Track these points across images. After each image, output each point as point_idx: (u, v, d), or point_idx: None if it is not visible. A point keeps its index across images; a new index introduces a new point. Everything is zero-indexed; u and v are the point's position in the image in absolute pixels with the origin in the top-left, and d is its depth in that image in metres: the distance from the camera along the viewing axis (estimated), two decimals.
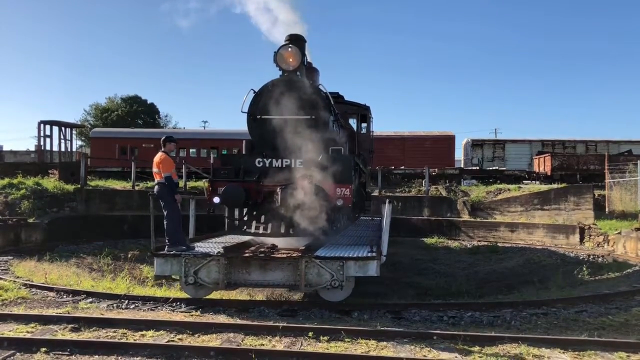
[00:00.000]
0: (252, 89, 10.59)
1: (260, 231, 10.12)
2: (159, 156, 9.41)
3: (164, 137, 9.66)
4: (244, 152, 11.18)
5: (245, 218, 10.40)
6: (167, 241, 9.36)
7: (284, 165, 10.11)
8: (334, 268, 8.66)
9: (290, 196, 9.26)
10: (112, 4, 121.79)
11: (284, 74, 10.46)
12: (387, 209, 9.80)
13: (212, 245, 10.28)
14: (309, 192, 9.25)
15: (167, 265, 9.07)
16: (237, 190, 9.50)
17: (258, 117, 10.36)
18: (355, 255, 8.88)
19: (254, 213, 10.19)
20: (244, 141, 11.36)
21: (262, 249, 9.43)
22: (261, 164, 10.17)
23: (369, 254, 8.87)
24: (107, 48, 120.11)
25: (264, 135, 10.37)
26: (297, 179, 9.57)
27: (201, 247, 10.03)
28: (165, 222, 9.33)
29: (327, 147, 10.31)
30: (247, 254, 9.09)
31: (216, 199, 9.73)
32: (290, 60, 10.31)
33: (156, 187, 9.47)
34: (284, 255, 8.98)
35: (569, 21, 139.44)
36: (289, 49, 10.33)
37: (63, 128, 35.35)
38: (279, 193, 9.33)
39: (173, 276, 9.63)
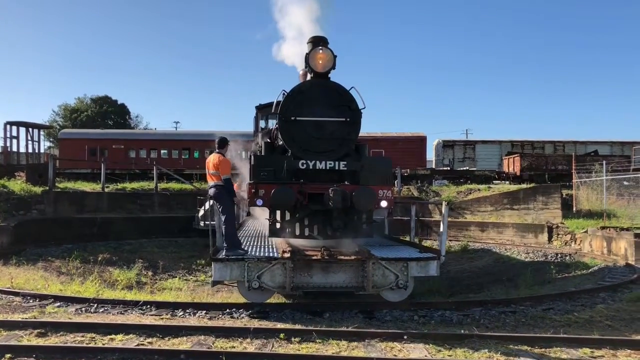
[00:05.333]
0: (283, 90, 10.51)
1: (306, 233, 10.03)
2: (216, 157, 9.09)
3: (220, 138, 9.40)
4: (263, 153, 10.99)
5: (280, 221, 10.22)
6: (224, 245, 9.14)
7: (327, 167, 10.02)
8: (398, 269, 8.98)
9: (342, 198, 9.23)
10: (83, 1, 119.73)
11: (315, 76, 10.38)
12: (444, 211, 9.94)
13: (258, 250, 10.08)
14: (361, 194, 9.30)
15: (226, 270, 8.85)
16: (289, 192, 9.29)
17: (292, 118, 10.20)
18: (414, 257, 9.30)
19: (297, 215, 10.04)
20: (262, 142, 11.21)
21: (308, 251, 9.35)
22: (304, 165, 10.00)
23: (423, 255, 9.34)
24: (77, 47, 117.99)
25: (297, 137, 10.19)
26: (345, 181, 9.65)
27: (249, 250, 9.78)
28: (223, 226, 9.12)
29: (366, 149, 10.44)
30: (309, 257, 9.05)
31: (259, 202, 9.57)
32: (321, 62, 10.26)
33: (212, 189, 9.15)
34: (349, 258, 9.02)
35: (538, 22, 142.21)
36: (321, 51, 10.23)
37: (30, 129, 34.64)
38: (331, 195, 9.26)
39: (226, 282, 9.31)
